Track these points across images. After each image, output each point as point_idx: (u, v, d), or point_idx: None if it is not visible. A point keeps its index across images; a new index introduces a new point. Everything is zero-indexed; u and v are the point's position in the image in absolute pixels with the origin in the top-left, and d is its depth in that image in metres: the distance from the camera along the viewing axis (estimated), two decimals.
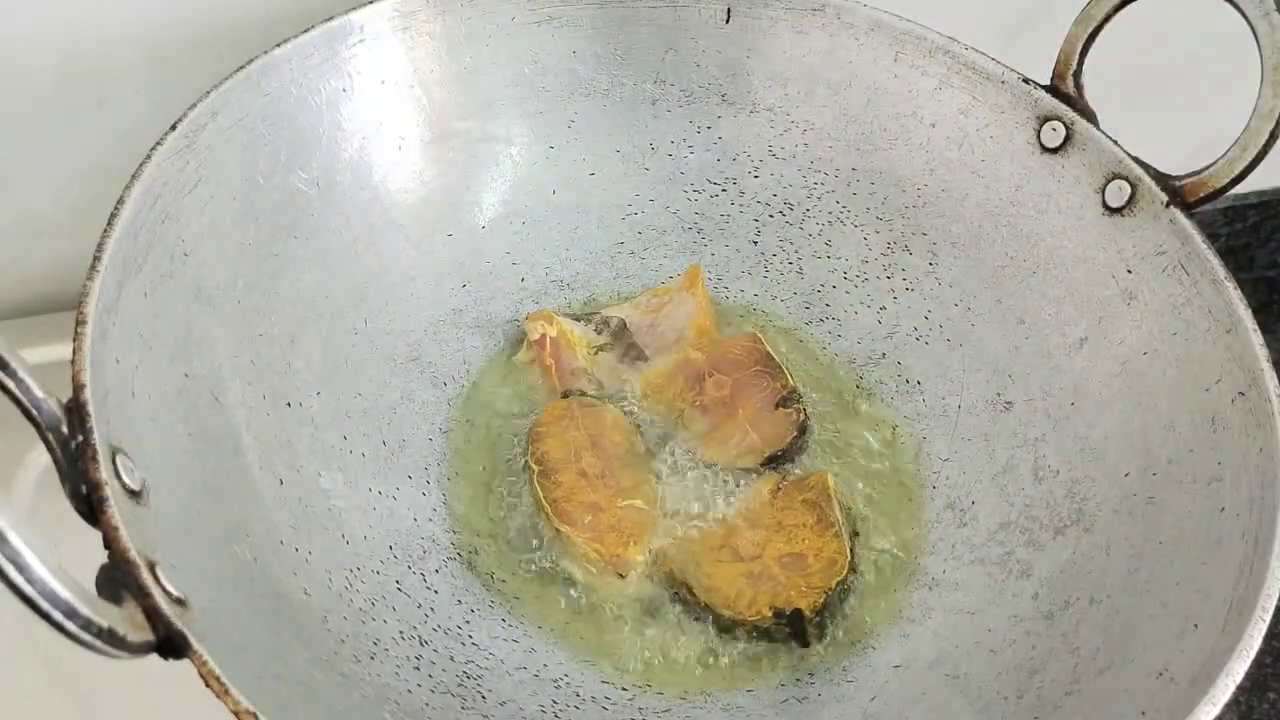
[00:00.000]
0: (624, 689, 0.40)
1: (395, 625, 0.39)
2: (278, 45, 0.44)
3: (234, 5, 0.48)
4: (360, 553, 0.41)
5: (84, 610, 0.25)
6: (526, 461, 0.45)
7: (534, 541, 0.44)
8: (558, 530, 0.43)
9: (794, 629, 0.41)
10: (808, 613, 0.42)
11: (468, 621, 0.41)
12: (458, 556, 0.43)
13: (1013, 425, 0.47)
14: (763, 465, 0.46)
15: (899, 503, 0.47)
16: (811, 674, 0.42)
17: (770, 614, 0.41)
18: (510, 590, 0.43)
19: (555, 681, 0.40)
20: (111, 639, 0.26)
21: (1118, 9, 0.46)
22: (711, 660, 0.42)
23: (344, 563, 0.40)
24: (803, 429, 0.46)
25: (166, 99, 0.39)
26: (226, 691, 0.28)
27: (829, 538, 0.43)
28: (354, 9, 0.46)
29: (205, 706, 0.28)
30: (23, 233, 0.47)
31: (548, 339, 0.49)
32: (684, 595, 0.42)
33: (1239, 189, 0.41)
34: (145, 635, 0.28)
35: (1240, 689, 0.52)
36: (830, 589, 0.42)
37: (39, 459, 0.48)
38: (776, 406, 0.47)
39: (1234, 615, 0.34)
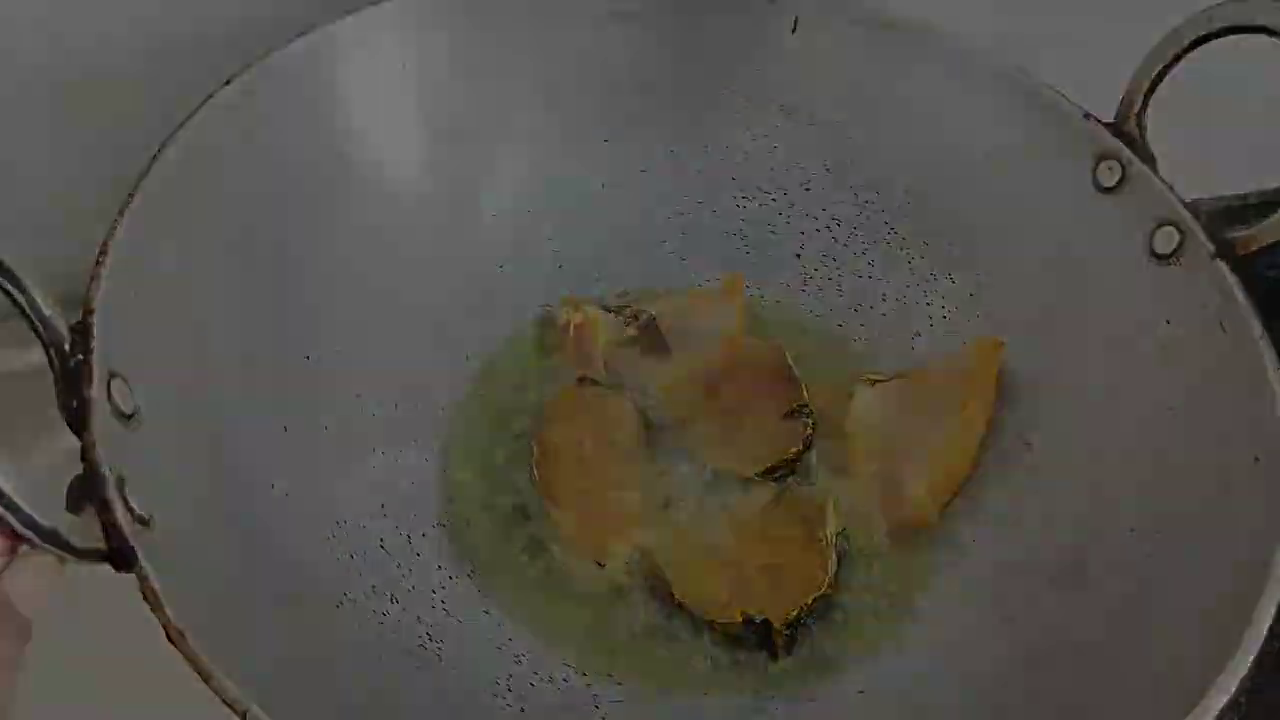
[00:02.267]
0: (583, 674, 0.41)
1: (369, 580, 0.40)
2: (346, 14, 0.46)
3: (235, 6, 0.48)
4: (350, 506, 0.42)
5: (27, 509, 0.27)
6: (529, 441, 0.46)
7: (524, 521, 0.44)
8: (547, 512, 0.43)
9: (762, 639, 0.41)
10: (776, 625, 0.41)
11: (443, 587, 0.42)
12: (446, 524, 0.44)
13: (1029, 468, 0.45)
14: (764, 474, 0.45)
15: (900, 532, 0.46)
16: (775, 688, 0.41)
17: (740, 620, 0.41)
18: (493, 565, 0.44)
19: (516, 657, 0.41)
20: (55, 540, 0.28)
21: (1189, 49, 0.44)
22: (677, 658, 0.41)
23: (331, 514, 0.41)
24: (808, 443, 0.46)
25: (168, 101, 0.40)
26: (160, 606, 0.29)
27: (812, 554, 0.43)
28: None
29: (207, 707, 0.29)
30: (23, 234, 0.48)
31: (573, 324, 0.49)
32: (660, 590, 0.42)
33: (1240, 188, 0.39)
34: (95, 544, 0.30)
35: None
36: (804, 605, 0.41)
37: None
38: (785, 417, 0.46)
39: (1203, 685, 0.32)
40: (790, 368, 0.48)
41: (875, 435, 0.47)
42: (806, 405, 0.47)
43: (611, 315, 0.51)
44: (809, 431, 0.46)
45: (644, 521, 0.44)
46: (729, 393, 0.47)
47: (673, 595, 0.42)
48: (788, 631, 0.41)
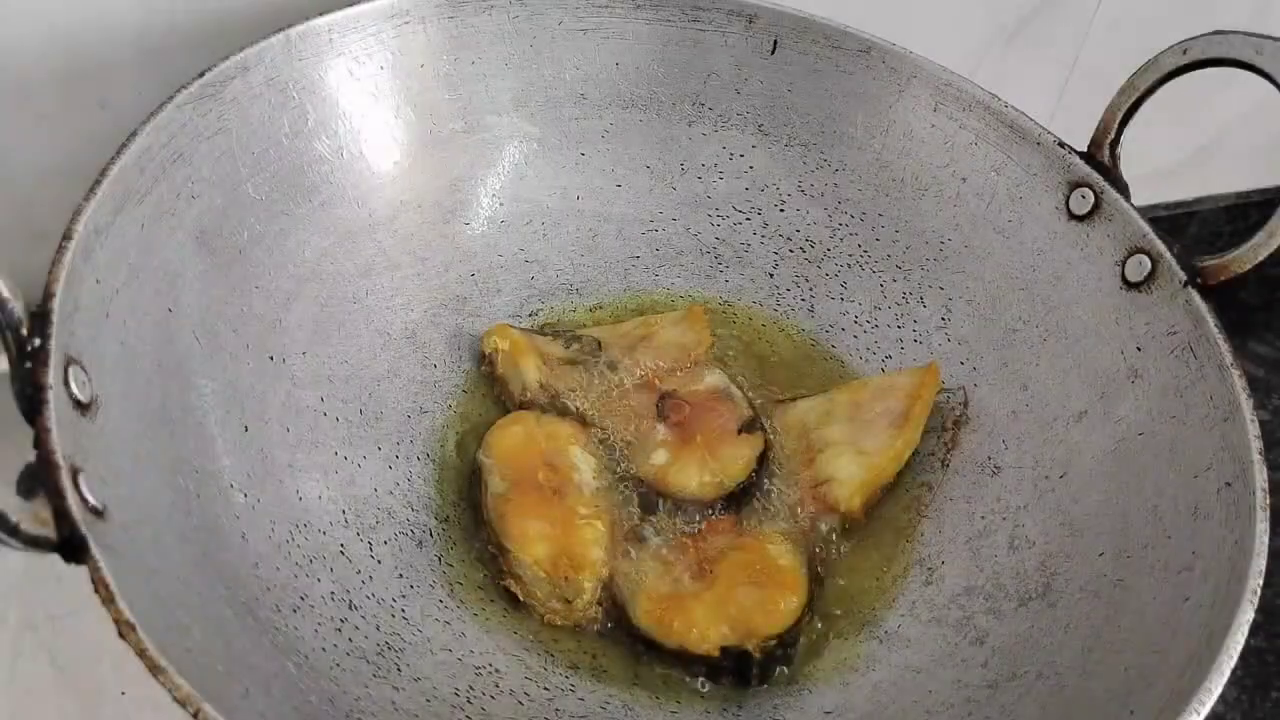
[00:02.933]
0: (545, 688, 0.40)
1: (328, 585, 0.39)
2: (320, 14, 0.46)
3: (237, 6, 0.48)
4: (311, 511, 0.41)
5: None
6: (481, 474, 0.44)
7: (487, 538, 0.43)
8: (503, 547, 0.42)
9: (739, 668, 0.40)
10: (756, 655, 0.40)
11: (404, 595, 0.41)
12: (410, 533, 0.43)
13: (997, 490, 0.45)
14: (726, 496, 0.45)
15: (869, 554, 0.45)
16: (740, 706, 0.40)
17: (717, 649, 0.40)
18: (455, 575, 0.43)
19: (478, 669, 0.39)
20: (1, 524, 0.27)
21: (1163, 81, 0.44)
22: (642, 676, 0.41)
23: (291, 517, 0.40)
24: (763, 458, 0.45)
25: (144, 95, 0.39)
26: (112, 600, 0.28)
27: (786, 581, 0.42)
28: None
29: None
30: (23, 236, 0.47)
31: (499, 352, 0.48)
32: (626, 621, 0.41)
33: (1242, 187, 0.40)
34: (45, 532, 0.29)
35: (1242, 687, 0.50)
36: (778, 634, 0.41)
37: None
38: (739, 432, 0.46)
39: (1169, 710, 0.32)
40: (729, 386, 0.48)
41: (809, 436, 0.47)
42: (757, 419, 0.46)
43: (548, 338, 0.50)
44: (763, 446, 0.46)
45: (606, 550, 0.43)
46: (678, 411, 0.47)
47: (639, 627, 0.41)
48: (764, 660, 0.40)
